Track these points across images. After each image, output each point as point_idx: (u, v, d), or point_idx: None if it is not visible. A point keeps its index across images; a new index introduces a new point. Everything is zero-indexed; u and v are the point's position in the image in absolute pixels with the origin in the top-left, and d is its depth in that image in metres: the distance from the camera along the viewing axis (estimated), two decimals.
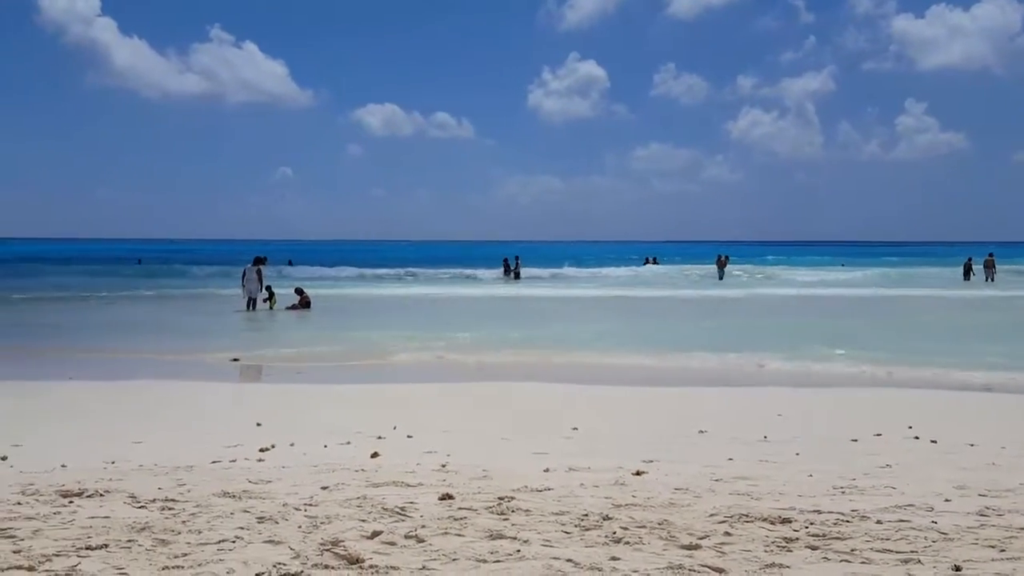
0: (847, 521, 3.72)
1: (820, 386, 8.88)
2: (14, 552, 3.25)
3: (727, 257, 40.69)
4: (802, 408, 7.41)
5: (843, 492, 4.29)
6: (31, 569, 3.08)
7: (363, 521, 3.69)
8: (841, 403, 7.81)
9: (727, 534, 3.49)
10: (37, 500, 4.05)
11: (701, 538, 3.43)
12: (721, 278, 37.26)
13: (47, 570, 3.07)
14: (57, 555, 3.21)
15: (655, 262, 45.30)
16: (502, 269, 39.70)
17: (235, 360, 11.06)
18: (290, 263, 43.34)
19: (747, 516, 3.74)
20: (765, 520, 3.69)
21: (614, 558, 3.19)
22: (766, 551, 3.30)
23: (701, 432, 6.10)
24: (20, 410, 7.40)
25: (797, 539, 3.45)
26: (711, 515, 3.76)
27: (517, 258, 40.40)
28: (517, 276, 38.52)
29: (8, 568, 3.08)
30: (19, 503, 4.00)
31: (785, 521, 3.68)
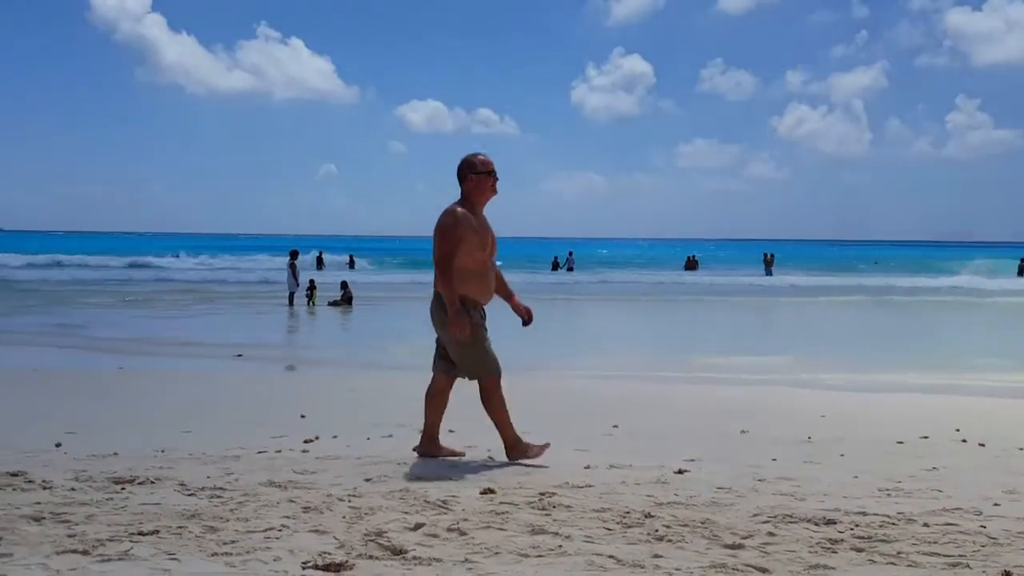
0: (893, 524, 3.68)
1: (864, 390, 8.74)
2: (69, 536, 3.35)
3: (772, 255, 40.84)
4: (845, 410, 7.32)
5: (889, 494, 4.24)
6: (85, 553, 3.17)
7: (406, 513, 3.73)
8: (885, 406, 7.69)
9: (771, 534, 3.46)
10: (90, 486, 4.17)
11: (744, 538, 3.41)
12: (769, 274, 37.83)
13: (101, 554, 3.16)
14: (110, 540, 3.30)
15: (695, 264, 44.39)
16: (551, 267, 39.95)
17: (239, 356, 11.18)
18: (351, 263, 42.56)
19: (791, 517, 3.71)
20: (809, 521, 3.66)
21: (656, 556, 3.19)
22: (810, 552, 3.27)
23: (743, 432, 6.05)
24: (73, 399, 7.60)
25: (842, 541, 3.41)
26: (754, 515, 3.74)
27: (571, 253, 40.62)
28: (571, 270, 38.80)
29: (63, 552, 3.18)
30: (73, 489, 4.11)
31: (830, 522, 3.65)
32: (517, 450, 4.94)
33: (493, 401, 4.92)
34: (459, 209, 4.83)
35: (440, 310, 4.85)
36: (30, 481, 4.24)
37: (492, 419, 4.96)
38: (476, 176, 4.89)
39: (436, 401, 5.10)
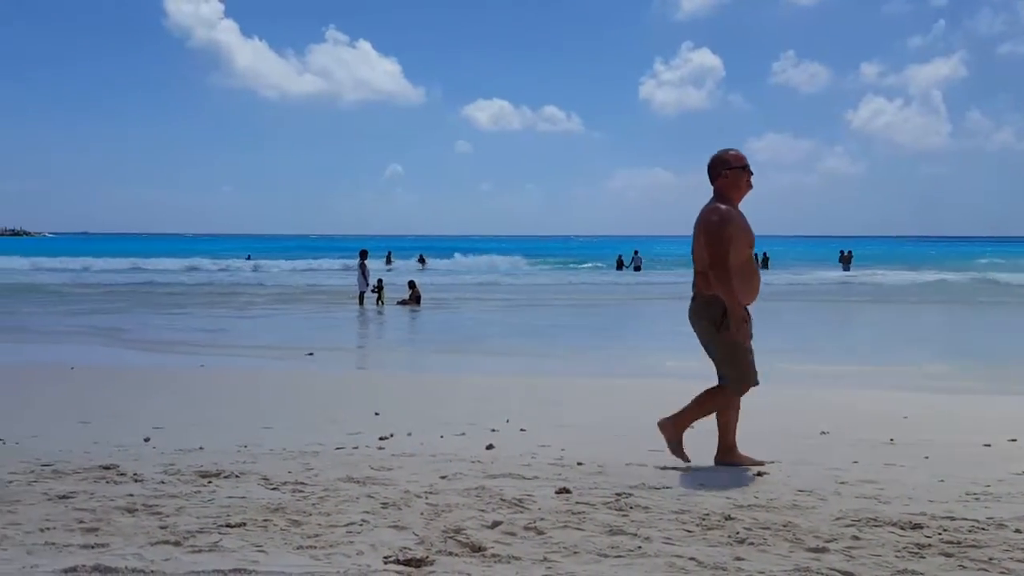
0: (983, 529, 3.56)
1: (947, 392, 8.47)
2: (161, 528, 3.47)
3: (850, 252, 40.30)
4: (929, 411, 7.10)
5: (977, 498, 4.10)
6: (177, 544, 3.28)
7: (482, 511, 3.76)
8: (970, 407, 7.44)
9: (855, 538, 3.39)
10: (179, 479, 4.31)
11: (828, 541, 3.34)
12: (847, 270, 37.29)
13: (192, 545, 3.26)
14: (200, 531, 3.41)
15: (766, 261, 43.50)
16: (616, 266, 39.78)
17: (310, 354, 11.33)
18: (421, 261, 43.75)
19: (875, 520, 3.62)
20: (895, 525, 3.56)
21: (738, 558, 3.14)
22: (897, 556, 3.19)
23: (823, 433, 5.92)
24: (158, 396, 7.86)
25: (930, 545, 3.32)
26: (837, 518, 3.66)
27: (636, 252, 40.35)
28: (637, 269, 38.51)
29: (156, 543, 3.29)
30: (163, 482, 4.26)
31: (916, 527, 3.55)
32: (727, 456, 4.75)
33: (715, 402, 4.70)
34: (723, 206, 4.59)
35: (703, 313, 4.63)
36: (122, 474, 4.41)
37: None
38: (731, 172, 4.66)
39: (727, 410, 4.84)
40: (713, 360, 4.75)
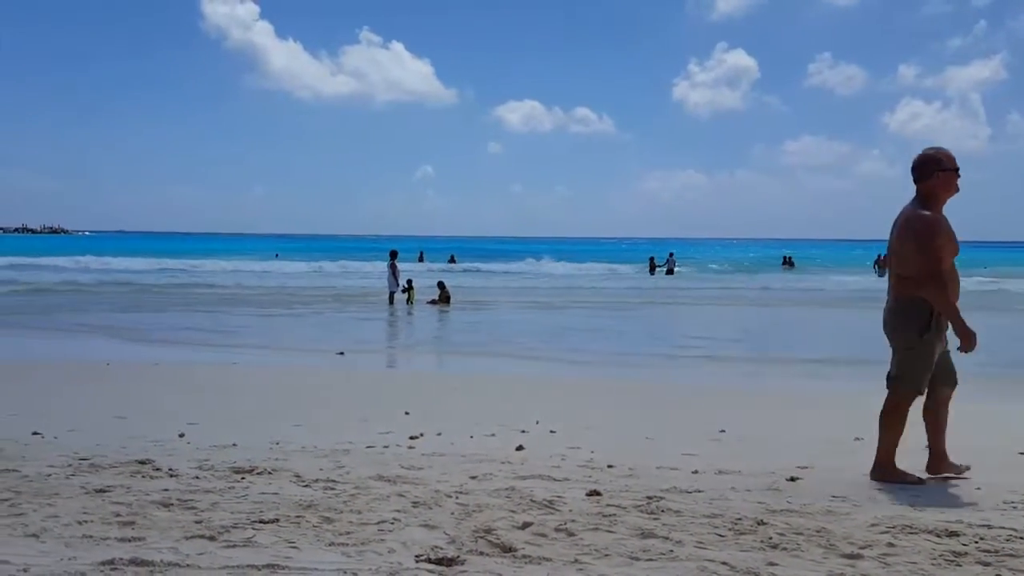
0: (1021, 538, 3.50)
1: (984, 400, 8.32)
2: (196, 522, 3.52)
3: (887, 256, 39.75)
4: (964, 420, 6.96)
5: (1014, 507, 4.04)
6: (212, 539, 3.32)
7: (513, 512, 3.77)
8: (1007, 415, 7.32)
9: (890, 545, 3.35)
10: (213, 475, 4.37)
11: (863, 548, 3.31)
12: (881, 276, 36.83)
13: (226, 540, 3.30)
14: (234, 527, 3.46)
15: (791, 263, 44.11)
16: (648, 268, 39.68)
17: (340, 354, 11.35)
18: (452, 260, 44.27)
19: (911, 527, 3.58)
20: (930, 532, 3.52)
21: (771, 564, 3.12)
22: (933, 564, 3.15)
23: (857, 439, 5.85)
24: (192, 392, 7.96)
25: (966, 554, 3.27)
26: (872, 525, 3.62)
27: (671, 255, 40.31)
28: (670, 272, 38.40)
29: (192, 537, 3.34)
30: (197, 477, 4.32)
31: (952, 535, 3.50)
32: (882, 472, 4.59)
33: (894, 414, 4.58)
34: (929, 214, 4.48)
35: (909, 316, 4.50)
36: (157, 469, 4.48)
37: (880, 430, 4.62)
38: (944, 173, 4.51)
39: (929, 416, 4.78)
40: (895, 361, 4.62)
